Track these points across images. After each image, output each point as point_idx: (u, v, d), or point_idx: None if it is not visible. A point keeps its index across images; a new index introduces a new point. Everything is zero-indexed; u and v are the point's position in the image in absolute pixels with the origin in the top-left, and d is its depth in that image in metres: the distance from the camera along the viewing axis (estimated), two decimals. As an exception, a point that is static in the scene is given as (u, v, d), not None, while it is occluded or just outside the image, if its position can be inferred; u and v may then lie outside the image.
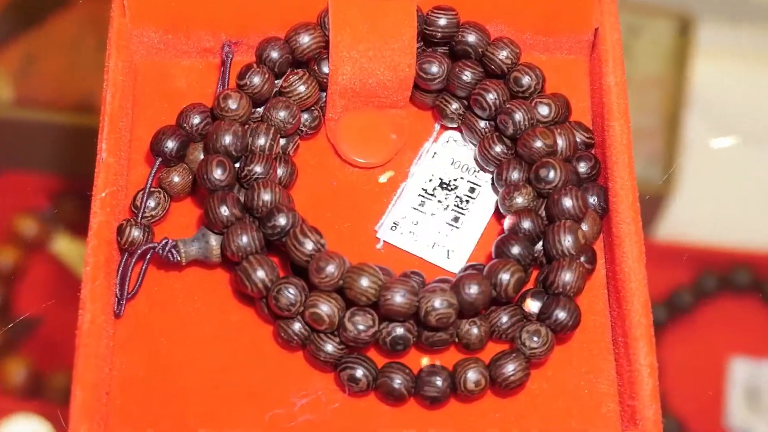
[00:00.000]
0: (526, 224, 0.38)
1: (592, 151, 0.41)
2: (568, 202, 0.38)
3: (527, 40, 0.42)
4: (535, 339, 0.37)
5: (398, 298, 0.35)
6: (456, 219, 0.40)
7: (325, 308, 0.36)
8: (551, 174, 0.38)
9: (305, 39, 0.40)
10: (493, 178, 0.40)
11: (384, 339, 0.36)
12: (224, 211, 0.37)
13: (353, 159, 0.41)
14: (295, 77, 0.40)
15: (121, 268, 0.38)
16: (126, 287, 0.38)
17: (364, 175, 0.41)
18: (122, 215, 0.39)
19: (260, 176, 0.38)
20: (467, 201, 0.41)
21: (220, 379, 0.38)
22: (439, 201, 0.41)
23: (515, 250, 0.37)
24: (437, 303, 0.35)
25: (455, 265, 0.39)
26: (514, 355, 0.37)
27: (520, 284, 0.37)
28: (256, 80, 0.39)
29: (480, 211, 0.40)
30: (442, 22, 0.40)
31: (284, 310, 0.36)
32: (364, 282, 0.36)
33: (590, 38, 0.43)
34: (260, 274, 0.37)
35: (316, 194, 0.41)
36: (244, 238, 0.37)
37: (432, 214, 0.40)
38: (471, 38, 0.40)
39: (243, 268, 0.37)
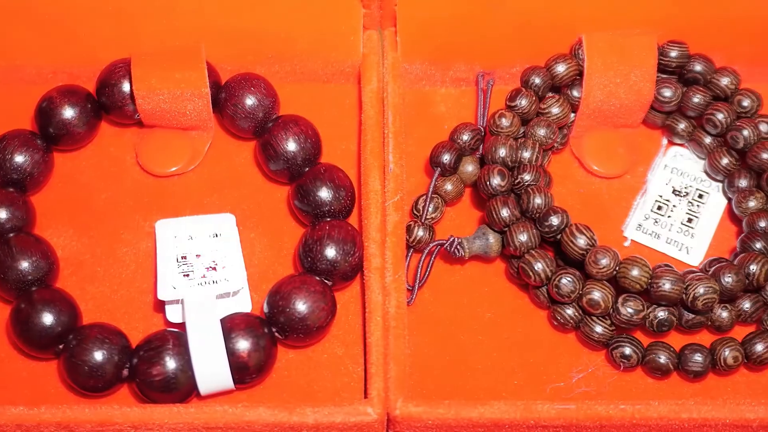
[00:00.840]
0: (763, 223, 0.44)
1: None
2: None
3: (743, 70, 0.48)
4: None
5: (668, 285, 0.41)
6: (690, 220, 0.47)
7: (600, 295, 0.42)
8: None
9: (561, 68, 0.46)
10: (723, 185, 0.47)
11: (651, 321, 0.42)
12: (505, 212, 0.44)
13: (596, 170, 0.48)
14: (552, 100, 0.46)
15: (408, 262, 0.45)
16: (417, 278, 0.44)
17: (604, 184, 0.48)
18: (406, 217, 0.46)
19: (530, 183, 0.44)
20: (698, 206, 0.47)
21: (501, 358, 0.44)
22: (673, 206, 0.47)
23: (758, 245, 0.43)
24: (702, 290, 0.41)
25: (695, 259, 0.46)
26: (765, 335, 0.43)
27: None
28: (524, 102, 0.46)
29: (710, 214, 0.47)
30: (674, 53, 0.47)
31: (564, 297, 0.42)
32: (636, 272, 0.42)
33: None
34: (540, 265, 0.43)
35: (565, 200, 0.47)
36: (524, 236, 0.43)
37: (668, 216, 0.47)
38: (699, 67, 0.47)
39: (526, 260, 0.43)
